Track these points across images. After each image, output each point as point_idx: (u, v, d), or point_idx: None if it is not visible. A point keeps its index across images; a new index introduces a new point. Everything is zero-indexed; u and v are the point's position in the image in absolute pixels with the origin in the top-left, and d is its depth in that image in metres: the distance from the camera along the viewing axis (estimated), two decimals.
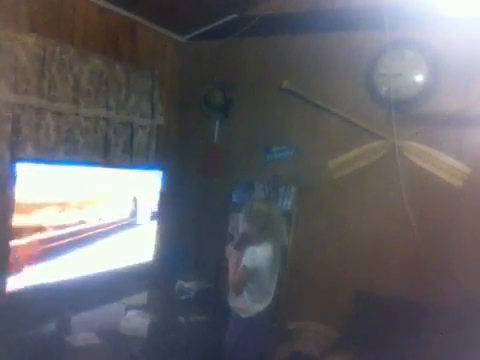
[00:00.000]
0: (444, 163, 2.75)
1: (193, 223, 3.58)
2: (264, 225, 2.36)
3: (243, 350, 2.35)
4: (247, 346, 2.35)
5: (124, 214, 2.90)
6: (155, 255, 3.18)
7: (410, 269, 2.82)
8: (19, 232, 2.24)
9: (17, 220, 2.22)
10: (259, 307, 2.37)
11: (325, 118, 3.12)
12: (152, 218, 3.13)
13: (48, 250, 2.40)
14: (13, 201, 2.20)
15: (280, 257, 2.45)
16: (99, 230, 2.72)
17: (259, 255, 2.32)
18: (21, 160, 2.28)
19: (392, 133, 2.89)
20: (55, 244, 2.44)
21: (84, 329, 2.33)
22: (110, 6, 2.96)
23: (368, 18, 2.88)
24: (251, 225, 2.38)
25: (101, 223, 2.73)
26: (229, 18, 3.41)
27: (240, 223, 2.49)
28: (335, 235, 3.08)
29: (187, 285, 3.07)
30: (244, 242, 2.40)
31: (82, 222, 2.59)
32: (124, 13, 3.08)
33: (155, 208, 3.14)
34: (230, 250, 2.45)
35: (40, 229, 2.35)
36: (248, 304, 2.35)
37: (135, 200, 2.97)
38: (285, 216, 3.09)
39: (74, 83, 2.72)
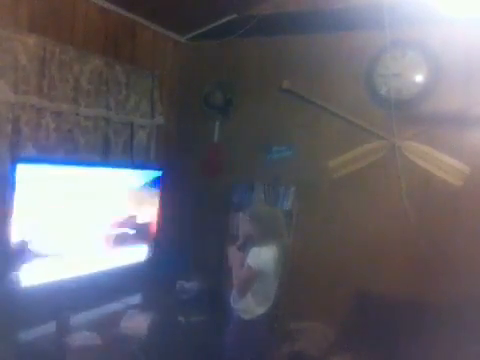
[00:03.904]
0: (444, 163, 2.75)
1: (193, 223, 3.57)
2: (269, 226, 2.36)
3: (244, 351, 2.34)
4: (248, 347, 2.34)
5: (124, 214, 2.89)
6: (155, 255, 3.18)
7: (410, 269, 2.82)
8: (19, 231, 2.24)
9: (17, 219, 2.22)
10: (262, 309, 2.36)
11: (325, 118, 3.12)
12: (152, 218, 3.13)
13: (48, 249, 2.40)
14: (13, 201, 2.20)
15: (283, 258, 2.44)
16: (99, 230, 2.72)
17: (264, 256, 2.31)
18: (21, 160, 2.28)
19: (392, 133, 2.90)
20: (55, 243, 2.44)
21: (84, 329, 2.33)
22: (110, 6, 2.95)
23: (368, 18, 2.88)
24: (255, 226, 2.37)
25: (101, 223, 2.73)
26: (229, 18, 3.41)
27: (241, 224, 2.49)
28: (335, 235, 3.08)
29: (187, 285, 3.07)
30: (248, 243, 2.40)
31: (82, 222, 2.59)
32: (124, 13, 3.08)
33: (155, 208, 3.14)
34: (233, 251, 2.44)
35: (40, 228, 2.35)
36: (251, 306, 2.34)
37: (135, 200, 2.97)
38: (285, 216, 3.11)
39: (74, 83, 2.71)
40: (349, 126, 3.04)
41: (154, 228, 3.16)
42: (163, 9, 3.11)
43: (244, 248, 2.40)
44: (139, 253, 3.09)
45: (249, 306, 2.34)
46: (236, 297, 2.37)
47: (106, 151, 3.00)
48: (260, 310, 2.36)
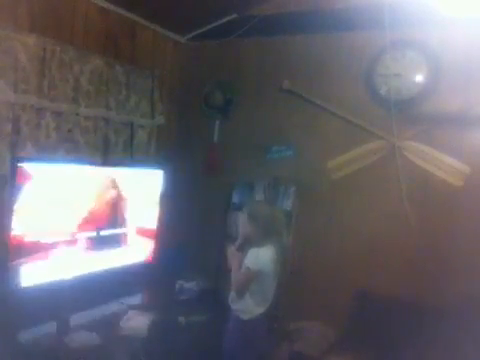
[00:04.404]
0: (444, 163, 2.75)
1: (193, 223, 3.57)
2: (268, 227, 2.34)
3: (243, 352, 2.34)
4: (247, 348, 2.34)
5: (124, 214, 2.89)
6: (155, 255, 3.18)
7: (410, 269, 2.82)
8: (19, 232, 2.24)
9: (17, 220, 2.22)
10: (260, 309, 2.36)
11: (325, 118, 3.12)
12: (152, 218, 3.13)
13: (48, 249, 2.40)
14: (13, 201, 2.20)
15: (282, 258, 2.44)
16: (99, 229, 2.72)
17: (262, 257, 2.30)
18: (21, 160, 2.28)
19: (392, 133, 2.90)
20: (55, 243, 2.44)
21: (84, 329, 2.33)
22: (110, 6, 2.96)
23: (368, 18, 2.88)
24: (255, 226, 2.36)
25: (101, 223, 2.73)
26: (229, 18, 3.41)
27: (241, 224, 2.48)
28: (335, 235, 3.08)
29: (187, 285, 3.07)
30: (247, 243, 2.39)
31: (82, 222, 2.59)
32: (124, 13, 3.08)
33: (155, 208, 3.14)
34: (232, 251, 2.44)
35: (40, 227, 2.35)
36: (250, 306, 2.33)
37: (135, 200, 2.97)
38: (285, 216, 3.10)
39: (74, 83, 2.71)
40: (349, 126, 3.04)
41: (154, 228, 3.16)
42: (163, 9, 3.11)
43: (243, 248, 2.40)
44: (139, 253, 3.09)
45: (247, 306, 2.33)
46: (234, 297, 2.37)
47: (106, 151, 3.00)
48: (259, 310, 2.35)
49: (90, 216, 2.63)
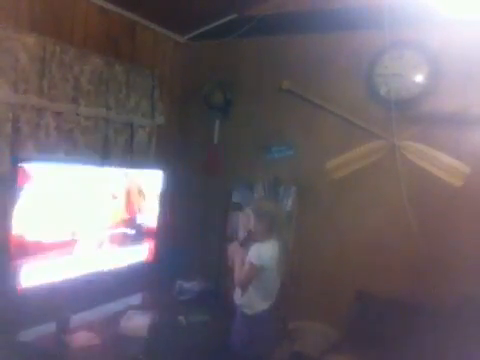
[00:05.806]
0: (444, 163, 2.76)
1: (193, 223, 3.57)
2: (271, 223, 2.39)
3: (248, 347, 2.35)
4: (254, 344, 2.35)
5: (124, 214, 2.90)
6: (155, 255, 3.18)
7: (410, 269, 2.82)
8: (19, 232, 2.24)
9: (17, 220, 2.22)
10: (264, 305, 2.39)
11: (325, 118, 3.12)
12: (152, 218, 3.13)
13: (48, 249, 2.40)
14: (13, 201, 2.20)
15: (283, 255, 2.46)
16: (99, 230, 2.72)
17: (265, 252, 2.33)
18: (21, 160, 2.28)
19: (392, 133, 2.90)
20: (55, 243, 2.44)
21: (84, 329, 2.33)
22: (110, 6, 2.96)
23: (368, 18, 2.88)
24: (258, 222, 2.40)
25: (101, 223, 2.73)
26: (229, 18, 3.41)
27: (244, 219, 2.51)
28: (335, 235, 3.08)
29: (187, 285, 3.06)
30: (250, 239, 2.42)
31: (82, 222, 2.59)
32: (124, 13, 3.08)
33: (155, 208, 3.14)
34: (235, 247, 2.47)
35: (40, 227, 2.35)
36: (254, 301, 2.37)
37: (135, 200, 2.97)
38: (286, 216, 3.11)
39: (74, 83, 2.71)
40: (349, 126, 3.04)
41: (154, 228, 3.16)
42: (163, 9, 3.11)
43: (246, 244, 2.42)
44: (139, 253, 3.09)
45: (252, 302, 2.37)
46: (238, 293, 2.40)
47: (106, 151, 3.00)
48: (263, 306, 2.38)
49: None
